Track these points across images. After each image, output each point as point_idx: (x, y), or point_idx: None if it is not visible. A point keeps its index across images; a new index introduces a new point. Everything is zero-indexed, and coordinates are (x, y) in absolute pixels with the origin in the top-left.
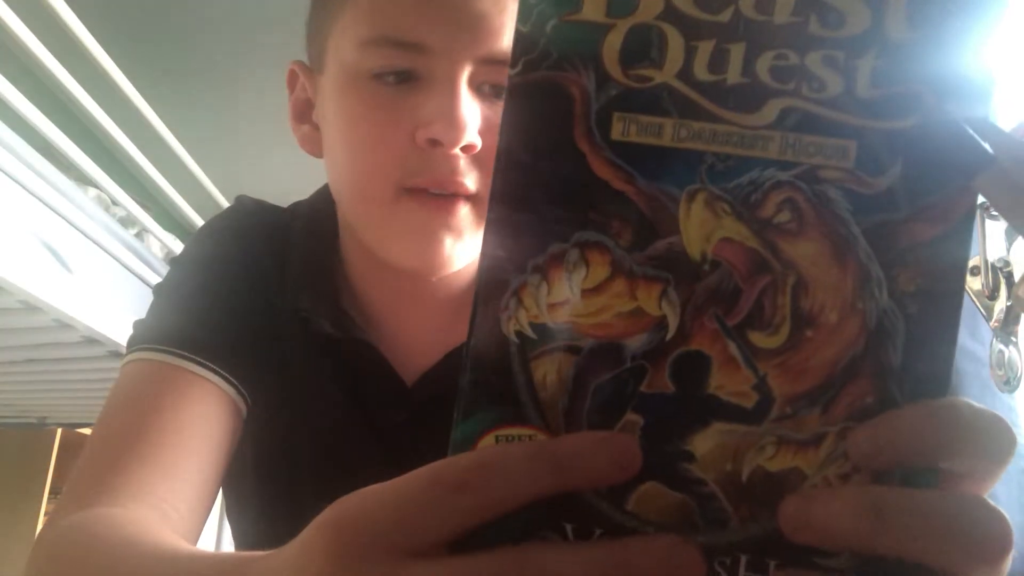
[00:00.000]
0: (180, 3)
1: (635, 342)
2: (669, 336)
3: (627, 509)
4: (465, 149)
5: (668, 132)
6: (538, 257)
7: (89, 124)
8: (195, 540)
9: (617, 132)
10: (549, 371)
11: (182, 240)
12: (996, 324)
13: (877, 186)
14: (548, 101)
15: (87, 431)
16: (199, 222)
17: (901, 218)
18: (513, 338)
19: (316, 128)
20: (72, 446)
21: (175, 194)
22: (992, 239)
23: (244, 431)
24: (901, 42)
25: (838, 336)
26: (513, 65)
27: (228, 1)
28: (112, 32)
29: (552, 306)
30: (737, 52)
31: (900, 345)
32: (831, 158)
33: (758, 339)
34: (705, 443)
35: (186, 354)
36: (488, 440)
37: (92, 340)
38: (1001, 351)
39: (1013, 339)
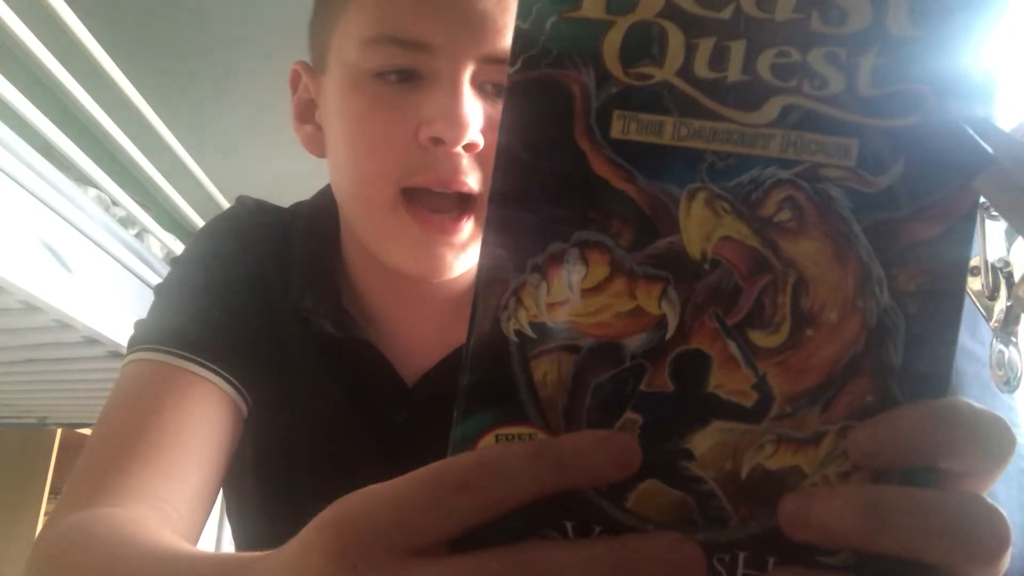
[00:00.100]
0: (180, 3)
1: (635, 341)
2: (669, 335)
3: (627, 507)
4: (467, 148)
5: (668, 130)
6: (538, 256)
7: (89, 124)
8: (195, 540)
9: (617, 130)
10: (549, 370)
11: (182, 240)
12: (996, 324)
13: (878, 185)
14: (548, 99)
15: (87, 431)
16: (199, 222)
17: (902, 217)
18: (513, 337)
19: (319, 128)
20: (72, 446)
21: (175, 194)
22: (992, 239)
23: (244, 431)
24: (903, 39)
25: (838, 335)
26: (512, 63)
27: (229, 1)
28: (112, 32)
29: (552, 305)
30: (738, 49)
31: (901, 344)
32: (832, 156)
33: (758, 338)
34: (705, 441)
35: (187, 354)
36: (488, 439)
37: (92, 340)
38: (1001, 351)
39: (1013, 339)
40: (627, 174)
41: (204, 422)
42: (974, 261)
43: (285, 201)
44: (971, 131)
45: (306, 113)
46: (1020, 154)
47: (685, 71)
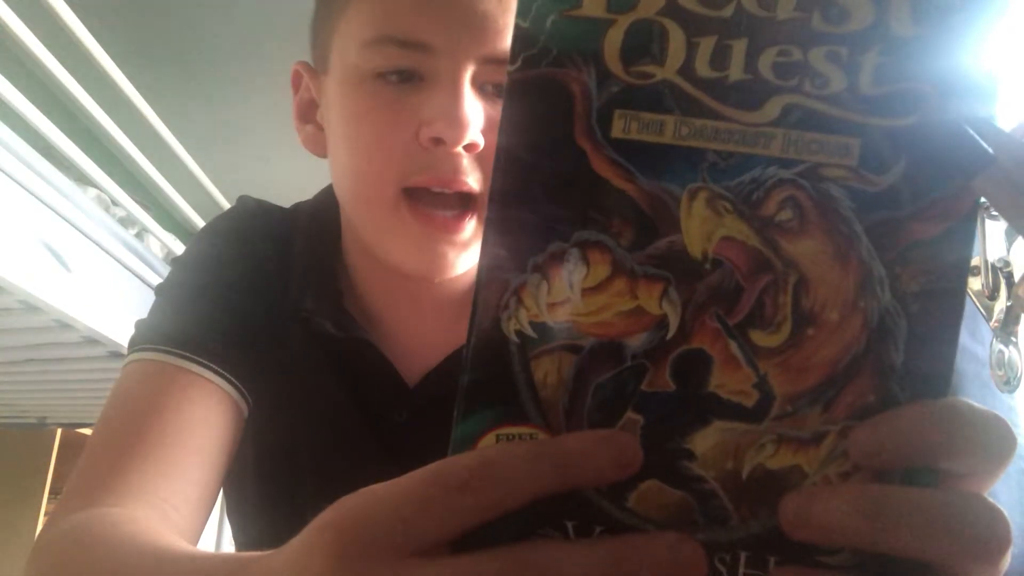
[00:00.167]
0: (180, 3)
1: (636, 341)
2: (670, 335)
3: (628, 507)
4: (468, 148)
5: (669, 129)
6: (538, 256)
7: (89, 124)
8: (196, 540)
9: (618, 130)
10: (550, 370)
11: (182, 240)
12: (996, 324)
13: (880, 184)
14: (548, 98)
15: (87, 431)
16: (199, 222)
17: (904, 216)
18: (513, 337)
19: (320, 128)
20: (72, 446)
21: (175, 194)
22: (992, 239)
23: (245, 431)
24: (905, 38)
25: (839, 335)
26: (512, 61)
27: (229, 1)
28: (112, 32)
29: (552, 305)
30: (739, 48)
31: (902, 344)
32: (834, 156)
33: (759, 338)
34: (706, 441)
35: (187, 354)
36: (489, 439)
37: (92, 340)
38: (1001, 351)
39: (1013, 339)
40: (628, 173)
41: (205, 422)
42: (974, 261)
43: (285, 201)
44: (971, 131)
45: (307, 113)
46: (1020, 154)
47: (686, 70)
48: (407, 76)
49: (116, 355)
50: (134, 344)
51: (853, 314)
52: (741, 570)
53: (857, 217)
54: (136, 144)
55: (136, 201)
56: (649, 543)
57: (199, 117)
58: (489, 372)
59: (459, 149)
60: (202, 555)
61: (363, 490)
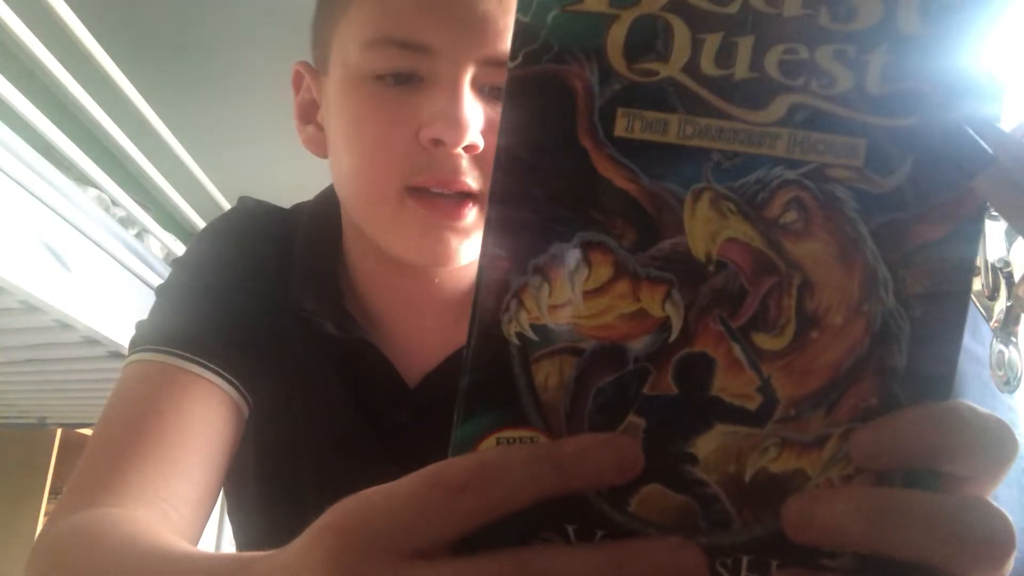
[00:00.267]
0: (181, 3)
1: (638, 344)
2: (673, 338)
3: (629, 511)
4: (468, 149)
5: (673, 129)
6: (539, 257)
7: (89, 124)
8: (196, 540)
9: (621, 128)
10: (551, 373)
11: (182, 240)
12: (996, 324)
13: (886, 185)
14: (549, 96)
15: (87, 431)
16: (199, 222)
17: (909, 218)
18: (514, 340)
19: (321, 129)
20: (72, 446)
21: (175, 194)
22: (992, 239)
23: (246, 432)
24: (913, 37)
25: (843, 338)
26: (513, 57)
27: (230, 1)
28: (112, 32)
29: (553, 307)
30: (745, 46)
31: (905, 347)
32: (840, 156)
33: (763, 341)
34: (708, 445)
35: (188, 355)
36: (489, 442)
37: (92, 340)
38: (1001, 351)
39: (1013, 339)
40: (631, 173)
41: (205, 422)
42: None
43: (286, 201)
44: (971, 131)
45: (308, 113)
46: (1020, 154)
47: (691, 67)
48: (407, 78)
49: (116, 355)
50: (135, 345)
51: (857, 317)
52: (743, 574)
53: (862, 219)
54: (136, 144)
55: (136, 201)
56: (650, 547)
57: (199, 117)
58: (489, 374)
59: (459, 150)
60: (202, 555)
61: (363, 492)
